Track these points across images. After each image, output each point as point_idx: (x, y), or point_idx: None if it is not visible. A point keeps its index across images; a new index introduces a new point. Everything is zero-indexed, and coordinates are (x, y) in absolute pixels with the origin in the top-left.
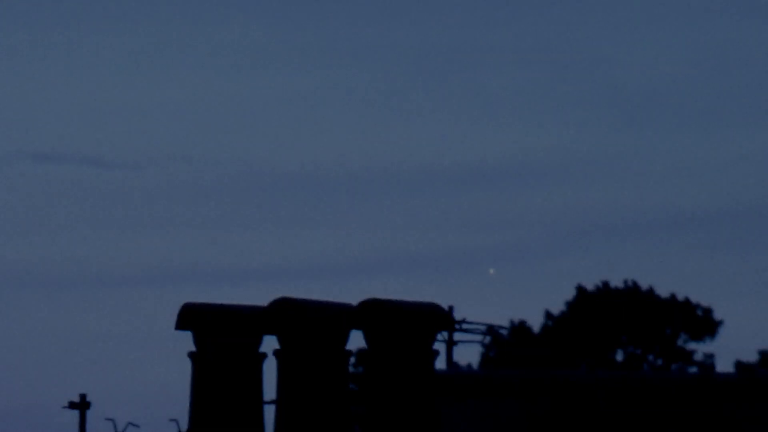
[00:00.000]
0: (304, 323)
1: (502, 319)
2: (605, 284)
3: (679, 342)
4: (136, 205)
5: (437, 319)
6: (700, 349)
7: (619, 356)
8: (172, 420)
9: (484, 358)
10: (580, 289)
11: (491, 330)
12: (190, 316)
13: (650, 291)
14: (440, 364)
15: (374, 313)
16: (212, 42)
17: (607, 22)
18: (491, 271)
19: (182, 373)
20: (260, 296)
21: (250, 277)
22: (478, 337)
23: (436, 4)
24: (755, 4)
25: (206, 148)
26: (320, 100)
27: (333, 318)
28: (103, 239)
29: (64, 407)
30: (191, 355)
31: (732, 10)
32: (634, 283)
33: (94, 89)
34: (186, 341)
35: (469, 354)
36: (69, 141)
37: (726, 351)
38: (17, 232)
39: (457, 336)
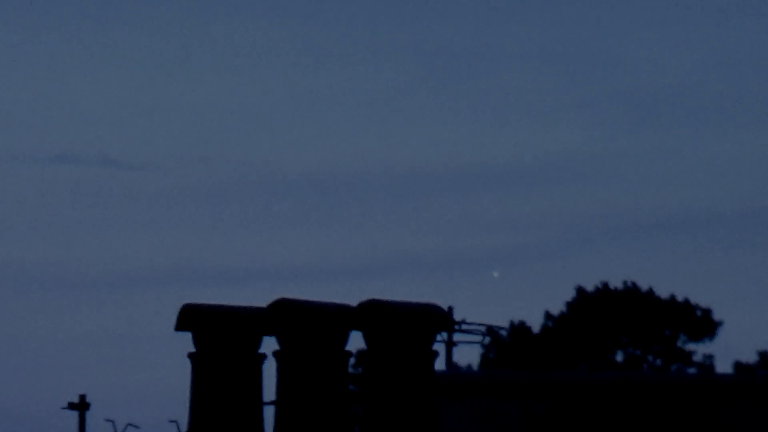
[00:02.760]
0: (304, 324)
1: (501, 319)
2: (605, 285)
3: (679, 343)
4: (140, 205)
5: (437, 319)
6: (700, 349)
7: (619, 357)
8: (171, 421)
9: (484, 358)
10: (580, 290)
11: (491, 330)
12: (190, 317)
13: (650, 292)
14: (440, 364)
15: (374, 314)
16: (229, 43)
17: (617, 24)
18: (495, 274)
19: (182, 373)
20: (260, 297)
21: (250, 277)
22: (478, 338)
23: (446, 6)
24: (766, 5)
25: (210, 149)
26: (323, 101)
27: (332, 319)
28: (104, 240)
29: (64, 408)
30: (191, 355)
31: (742, 12)
32: (634, 284)
33: (112, 90)
34: (186, 342)
35: (468, 355)
36: (86, 142)
37: (725, 352)
38: (27, 233)
39: (456, 337)
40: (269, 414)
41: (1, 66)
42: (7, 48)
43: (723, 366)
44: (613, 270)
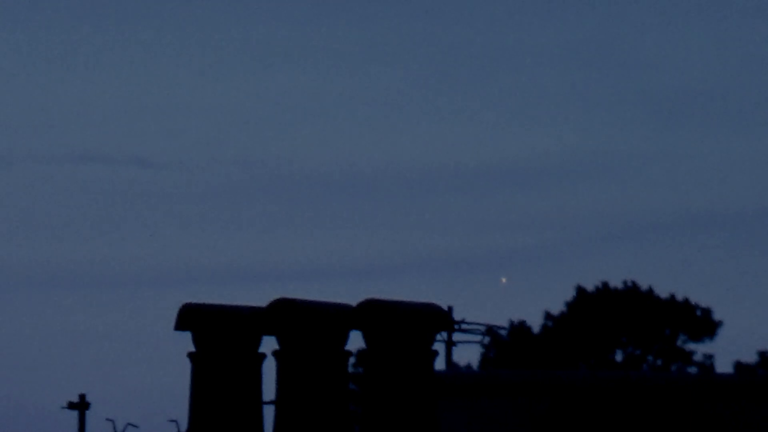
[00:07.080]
0: (304, 324)
1: (501, 319)
2: (605, 285)
3: (679, 342)
4: (139, 206)
5: (436, 319)
6: (700, 349)
7: (619, 357)
8: (171, 420)
9: (484, 358)
10: (580, 290)
11: (490, 330)
12: (190, 317)
13: (650, 291)
14: (439, 364)
15: (373, 314)
16: (252, 46)
17: (640, 24)
18: (503, 280)
19: (182, 373)
20: (260, 296)
21: (250, 277)
22: (478, 338)
23: (468, 4)
24: None
25: (211, 151)
26: (324, 102)
27: (332, 318)
28: (102, 240)
29: (64, 407)
30: (191, 355)
31: (765, 13)
32: (634, 284)
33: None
34: (186, 341)
35: (468, 354)
36: (114, 143)
37: (725, 352)
38: (29, 232)
39: (456, 336)
40: (269, 414)
41: (30, 66)
42: (36, 48)
43: (723, 366)
44: (613, 270)
